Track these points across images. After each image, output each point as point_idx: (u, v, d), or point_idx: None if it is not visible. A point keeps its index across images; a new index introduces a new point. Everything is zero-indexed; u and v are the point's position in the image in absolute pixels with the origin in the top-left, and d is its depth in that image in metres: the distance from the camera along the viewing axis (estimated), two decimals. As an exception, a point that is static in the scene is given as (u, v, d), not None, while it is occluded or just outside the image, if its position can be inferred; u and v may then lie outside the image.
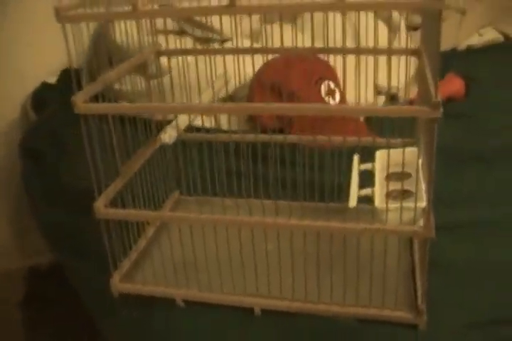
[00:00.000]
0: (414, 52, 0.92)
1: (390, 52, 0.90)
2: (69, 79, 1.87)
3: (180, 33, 1.67)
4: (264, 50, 1.00)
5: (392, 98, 1.58)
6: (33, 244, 2.00)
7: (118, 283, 0.92)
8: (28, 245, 2.03)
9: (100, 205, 0.85)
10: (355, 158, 0.96)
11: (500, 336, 0.79)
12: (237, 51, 0.97)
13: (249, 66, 0.90)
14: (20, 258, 2.03)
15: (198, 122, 1.30)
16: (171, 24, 1.60)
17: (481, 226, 1.01)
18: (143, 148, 0.98)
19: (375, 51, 0.91)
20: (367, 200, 0.88)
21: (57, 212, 1.29)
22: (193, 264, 0.90)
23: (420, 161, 0.88)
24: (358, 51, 0.94)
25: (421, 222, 0.76)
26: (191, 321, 0.87)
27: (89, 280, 1.04)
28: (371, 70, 0.87)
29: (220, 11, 0.66)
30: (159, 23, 1.42)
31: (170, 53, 1.03)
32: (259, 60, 1.25)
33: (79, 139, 1.46)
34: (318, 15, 1.41)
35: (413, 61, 1.04)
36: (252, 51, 0.97)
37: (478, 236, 0.99)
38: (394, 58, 0.88)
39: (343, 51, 0.94)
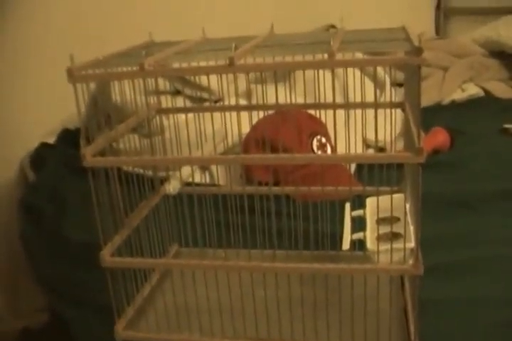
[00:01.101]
0: (399, 105, 0.99)
1: (376, 105, 0.96)
2: (67, 140, 1.94)
3: (175, 93, 1.75)
4: (259, 107, 1.06)
5: (380, 151, 1.65)
6: (24, 305, 2.01)
7: (121, 331, 0.95)
8: (20, 306, 2.02)
9: (106, 254, 0.90)
10: (347, 205, 1.02)
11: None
12: (235, 108, 1.04)
13: (245, 123, 0.96)
14: (13, 319, 2.01)
15: (196, 178, 1.36)
16: (163, 84, 1.68)
17: (467, 266, 1.06)
18: (146, 200, 1.03)
19: (363, 105, 0.99)
20: (359, 243, 0.93)
21: (57, 266, 1.32)
22: (194, 310, 0.94)
23: (408, 206, 0.93)
24: (347, 106, 1.01)
25: (410, 262, 0.81)
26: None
27: (92, 330, 1.07)
28: (360, 125, 0.94)
29: (220, 69, 0.73)
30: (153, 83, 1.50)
31: (171, 111, 1.09)
32: (254, 118, 1.32)
33: (78, 196, 1.52)
34: (309, 74, 1.50)
35: (399, 116, 1.12)
36: (250, 108, 1.04)
37: (465, 275, 1.04)
38: (381, 114, 0.95)
39: (333, 106, 1.00)
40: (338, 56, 0.72)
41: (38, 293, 1.84)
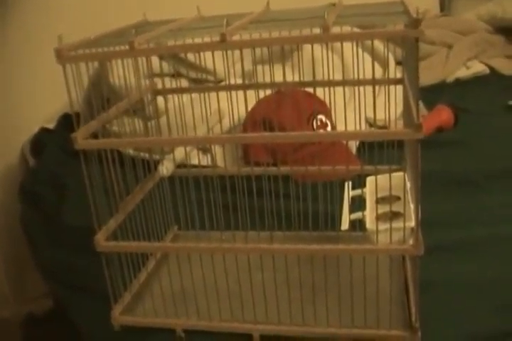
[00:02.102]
0: (398, 82, 0.96)
1: (374, 82, 0.94)
2: (67, 125, 1.93)
3: (176, 75, 1.73)
4: (256, 86, 1.04)
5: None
6: (29, 290, 2.02)
7: (118, 316, 0.94)
8: (24, 292, 2.04)
9: (101, 238, 0.88)
10: (346, 184, 1.00)
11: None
12: (230, 88, 1.01)
13: (243, 104, 0.94)
14: (17, 305, 2.03)
15: (194, 161, 1.34)
16: (166, 67, 1.66)
17: (471, 245, 1.04)
18: (141, 183, 1.01)
19: (360, 82, 0.96)
20: (358, 223, 0.91)
21: (56, 251, 1.31)
22: (191, 294, 0.92)
23: (408, 185, 0.91)
24: (344, 83, 0.98)
25: (410, 241, 0.79)
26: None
27: (91, 315, 1.06)
28: (362, 103, 0.92)
29: (212, 46, 0.71)
30: (155, 66, 1.48)
31: (166, 92, 1.07)
32: (252, 99, 1.30)
33: (77, 181, 1.51)
34: (307, 54, 1.47)
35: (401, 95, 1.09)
36: (244, 87, 1.02)
37: (469, 255, 1.02)
38: (383, 92, 0.93)
39: (330, 83, 0.98)
40: (334, 30, 0.70)
41: (42, 279, 1.86)
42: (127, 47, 0.74)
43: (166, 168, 0.85)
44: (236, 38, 0.74)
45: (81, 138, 0.81)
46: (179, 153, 0.89)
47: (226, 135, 0.77)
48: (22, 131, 1.92)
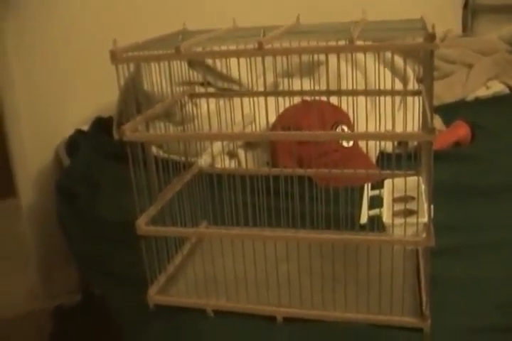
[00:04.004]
0: (416, 93, 1.05)
1: (393, 93, 1.03)
2: (100, 127, 2.02)
3: (205, 84, 1.82)
4: (285, 93, 1.13)
5: (399, 143, 1.69)
6: (58, 285, 2.11)
7: (154, 295, 1.02)
8: (54, 286, 2.13)
9: (141, 223, 0.97)
10: (366, 185, 1.08)
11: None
12: (262, 94, 1.11)
13: (271, 112, 1.02)
14: (47, 298, 2.12)
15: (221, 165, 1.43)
16: (196, 77, 1.76)
17: (478, 249, 1.12)
18: (179, 176, 1.10)
19: (381, 92, 1.05)
20: (376, 223, 1.00)
21: (93, 244, 1.40)
22: (222, 278, 1.01)
23: (423, 187, 0.99)
24: (366, 93, 1.07)
25: (423, 234, 0.87)
26: (220, 329, 0.97)
27: (124, 299, 1.14)
28: (382, 115, 1.00)
29: (250, 53, 0.80)
30: (185, 74, 1.58)
31: (203, 96, 1.17)
32: (281, 108, 1.39)
33: (110, 179, 1.60)
34: (333, 68, 1.55)
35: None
36: (276, 94, 1.11)
37: (476, 257, 1.10)
38: (402, 108, 1.00)
39: (353, 93, 1.07)
40: (358, 42, 0.79)
41: (70, 274, 1.95)
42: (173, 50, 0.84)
43: (204, 161, 0.94)
44: (270, 46, 0.83)
45: (129, 131, 0.90)
46: (216, 147, 0.98)
47: (258, 132, 0.86)
48: (57, 133, 2.02)
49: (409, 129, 1.07)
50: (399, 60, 1.85)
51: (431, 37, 0.75)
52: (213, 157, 0.98)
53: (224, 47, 0.88)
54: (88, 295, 1.95)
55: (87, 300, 1.90)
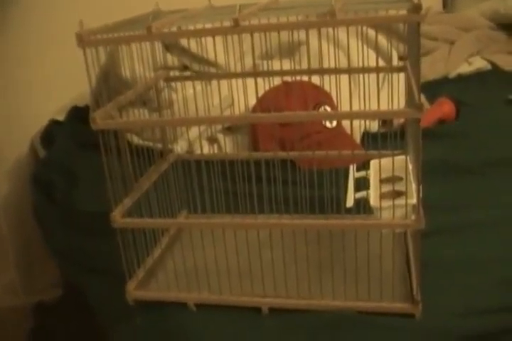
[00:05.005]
0: (401, 69, 1.00)
1: (377, 70, 0.98)
2: (77, 116, 1.97)
3: (183, 69, 1.77)
4: (266, 74, 1.09)
5: (384, 122, 1.66)
6: (38, 280, 2.06)
7: (132, 291, 0.98)
8: (33, 282, 2.08)
9: (117, 215, 0.93)
10: (351, 167, 1.04)
11: (493, 322, 0.86)
12: (241, 75, 1.06)
13: (251, 94, 0.98)
14: (27, 294, 2.07)
15: (204, 150, 1.39)
16: (171, 60, 1.70)
17: (470, 227, 1.09)
18: (154, 166, 1.05)
19: (365, 70, 1.00)
20: (362, 204, 0.96)
21: (69, 236, 1.36)
22: (203, 270, 0.97)
23: (410, 166, 0.95)
24: (350, 71, 1.03)
25: (413, 217, 0.83)
26: (204, 323, 0.93)
27: (105, 294, 1.10)
28: (366, 94, 0.96)
29: (226, 30, 0.75)
30: (162, 59, 1.52)
31: (179, 79, 1.11)
32: (260, 90, 1.35)
33: (87, 170, 1.56)
34: (314, 48, 1.51)
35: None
36: (255, 74, 1.06)
37: (468, 236, 1.06)
38: (386, 86, 0.96)
39: (336, 71, 1.02)
40: (340, 15, 0.74)
41: (51, 268, 1.90)
42: (144, 31, 0.79)
43: (180, 146, 0.90)
44: (247, 23, 0.78)
45: (99, 119, 0.85)
46: (192, 133, 0.93)
47: (237, 114, 0.81)
48: (31, 123, 1.95)
49: (394, 107, 1.04)
50: (382, 39, 1.80)
51: (416, 8, 0.71)
52: (190, 143, 0.94)
53: (199, 26, 0.83)
54: (69, 289, 1.90)
55: (69, 294, 1.85)
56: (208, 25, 0.82)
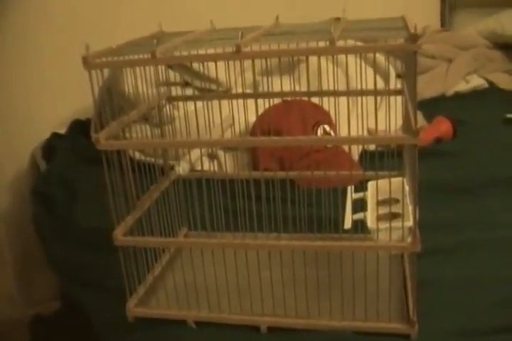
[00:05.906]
0: (398, 93, 1.02)
1: (376, 93, 1.00)
2: (78, 130, 1.99)
3: (184, 85, 1.79)
4: (265, 95, 1.11)
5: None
6: (37, 293, 2.08)
7: (133, 308, 0.99)
8: (32, 294, 2.09)
9: (119, 233, 0.94)
10: (349, 188, 1.06)
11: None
12: (241, 96, 1.08)
13: (251, 113, 1.00)
14: (25, 306, 2.08)
15: (204, 166, 1.40)
16: (173, 76, 1.72)
17: (468, 247, 1.10)
18: (156, 184, 1.07)
19: (363, 92, 1.03)
20: (360, 225, 0.98)
21: (69, 250, 1.37)
22: (203, 288, 0.98)
23: (406, 188, 0.97)
24: (348, 93, 1.05)
25: (409, 239, 0.85)
26: (202, 340, 0.94)
27: (104, 310, 1.11)
28: (364, 113, 0.98)
29: (228, 56, 0.77)
30: (164, 75, 1.55)
31: (181, 99, 1.13)
32: (260, 108, 1.37)
33: (88, 184, 1.57)
34: (313, 66, 1.53)
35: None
36: (255, 96, 1.08)
37: (467, 256, 1.08)
38: (384, 106, 0.98)
39: (335, 94, 1.04)
40: (339, 43, 0.76)
41: (49, 281, 1.91)
42: (149, 55, 0.81)
43: (182, 168, 0.91)
44: (248, 49, 0.81)
45: (103, 139, 0.87)
46: (194, 154, 0.95)
47: (238, 138, 0.83)
48: (33, 136, 1.97)
49: (391, 128, 1.05)
50: (381, 58, 1.83)
51: (413, 37, 0.73)
52: (192, 164, 0.95)
53: (201, 51, 0.85)
54: (67, 302, 1.91)
55: (67, 307, 1.85)
56: (211, 50, 0.84)
